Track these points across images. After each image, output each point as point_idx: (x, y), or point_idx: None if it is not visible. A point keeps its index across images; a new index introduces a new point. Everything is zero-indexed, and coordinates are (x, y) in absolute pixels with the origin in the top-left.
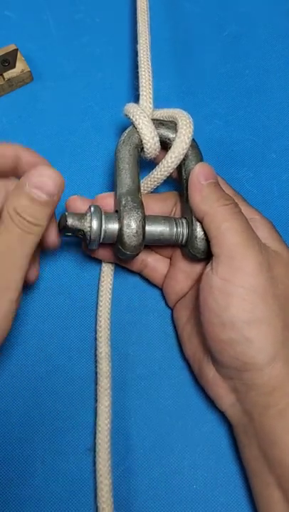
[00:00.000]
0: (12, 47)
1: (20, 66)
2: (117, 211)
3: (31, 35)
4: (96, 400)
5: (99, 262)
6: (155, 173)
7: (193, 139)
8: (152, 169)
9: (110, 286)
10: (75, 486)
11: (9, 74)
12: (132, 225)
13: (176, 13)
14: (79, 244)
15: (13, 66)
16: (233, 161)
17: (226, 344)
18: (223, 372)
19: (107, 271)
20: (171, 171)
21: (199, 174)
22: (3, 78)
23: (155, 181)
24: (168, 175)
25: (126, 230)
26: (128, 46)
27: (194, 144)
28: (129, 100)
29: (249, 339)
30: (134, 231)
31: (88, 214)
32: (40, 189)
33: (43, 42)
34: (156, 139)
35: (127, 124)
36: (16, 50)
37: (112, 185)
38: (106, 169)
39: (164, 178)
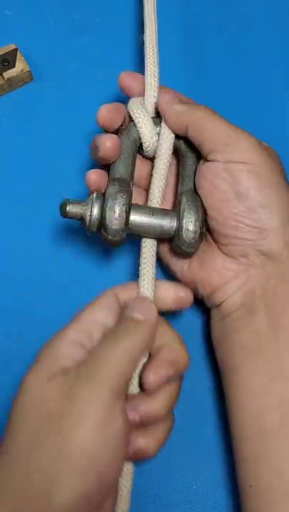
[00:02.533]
0: (12, 46)
1: (20, 66)
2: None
3: (31, 35)
4: None
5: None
6: (154, 170)
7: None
8: None
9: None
10: None
11: (9, 73)
12: (114, 208)
13: (176, 13)
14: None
15: (13, 66)
16: None
17: (240, 216)
18: (236, 251)
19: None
20: (166, 165)
21: (166, 98)
22: (3, 78)
23: (160, 178)
24: (166, 169)
25: (108, 213)
26: (128, 46)
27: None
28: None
29: (264, 204)
30: (117, 214)
31: (89, 204)
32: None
33: (43, 42)
34: (155, 138)
35: None
36: (15, 50)
37: None
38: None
39: (164, 173)
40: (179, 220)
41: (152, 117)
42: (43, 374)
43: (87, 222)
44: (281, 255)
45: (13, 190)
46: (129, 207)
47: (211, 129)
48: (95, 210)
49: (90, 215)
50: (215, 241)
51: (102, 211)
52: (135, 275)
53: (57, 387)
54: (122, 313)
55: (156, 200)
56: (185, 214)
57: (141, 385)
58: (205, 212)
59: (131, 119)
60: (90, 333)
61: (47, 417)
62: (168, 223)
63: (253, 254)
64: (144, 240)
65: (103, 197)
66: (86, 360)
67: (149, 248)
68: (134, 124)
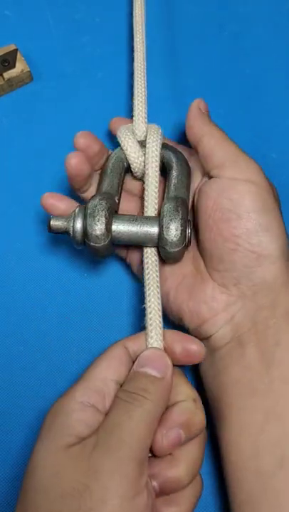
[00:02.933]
0: (12, 47)
1: (20, 66)
2: None
3: (31, 35)
4: None
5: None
6: (146, 188)
7: (180, 153)
8: None
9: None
10: None
11: (9, 74)
12: (94, 213)
13: (176, 13)
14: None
15: (13, 66)
16: None
17: (240, 238)
18: (228, 279)
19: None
20: (156, 183)
21: (200, 104)
22: (3, 78)
23: (152, 196)
24: (156, 185)
25: (88, 219)
26: (128, 46)
27: (180, 157)
28: (128, 102)
29: (266, 228)
30: (96, 219)
31: (72, 216)
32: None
33: (43, 42)
34: (141, 157)
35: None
36: (15, 50)
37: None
38: None
39: (156, 190)
40: (160, 221)
41: (140, 140)
42: (56, 445)
43: (71, 233)
44: (274, 285)
45: (13, 190)
46: (111, 214)
47: (223, 146)
48: (78, 222)
49: (73, 226)
50: (208, 266)
51: (84, 220)
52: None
53: (74, 460)
54: (135, 368)
55: (150, 212)
56: (165, 214)
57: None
58: (188, 214)
59: (119, 143)
60: (101, 392)
61: (65, 495)
62: (151, 228)
63: (244, 283)
64: (145, 249)
65: (85, 209)
66: (104, 427)
67: (151, 257)
68: (122, 149)
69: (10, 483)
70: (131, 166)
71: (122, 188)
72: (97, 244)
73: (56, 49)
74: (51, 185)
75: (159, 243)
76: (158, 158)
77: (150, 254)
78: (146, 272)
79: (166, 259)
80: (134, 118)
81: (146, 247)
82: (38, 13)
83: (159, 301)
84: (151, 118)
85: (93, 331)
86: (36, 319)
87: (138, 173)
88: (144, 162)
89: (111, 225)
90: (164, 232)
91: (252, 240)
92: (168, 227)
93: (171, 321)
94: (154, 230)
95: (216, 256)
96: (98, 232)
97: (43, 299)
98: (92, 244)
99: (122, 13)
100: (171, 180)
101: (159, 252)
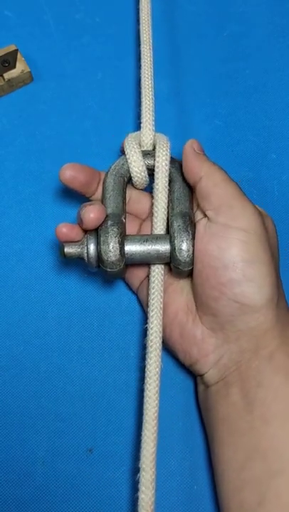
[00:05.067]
0: (12, 47)
1: (21, 66)
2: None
3: (31, 36)
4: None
5: None
6: (155, 208)
7: (179, 163)
8: None
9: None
10: (75, 487)
11: (9, 74)
12: (108, 240)
13: (176, 13)
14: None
15: (14, 67)
16: (233, 162)
17: (225, 287)
18: (215, 324)
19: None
20: (167, 190)
21: (195, 145)
22: (4, 79)
23: (161, 215)
24: (166, 194)
25: (102, 247)
26: (128, 46)
27: (180, 168)
28: (128, 102)
29: (250, 278)
30: (110, 246)
31: (85, 242)
32: None
33: (43, 42)
34: (144, 172)
35: (127, 124)
36: (16, 51)
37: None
38: (106, 169)
39: (166, 198)
40: (172, 242)
41: (144, 150)
42: None
43: (86, 259)
44: (257, 331)
45: (13, 190)
46: (123, 238)
47: (221, 188)
48: (92, 247)
49: (87, 253)
50: (198, 309)
51: (98, 246)
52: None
53: None
54: None
55: (160, 229)
56: (176, 235)
57: None
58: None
59: (124, 153)
60: None
61: None
62: (162, 247)
63: (230, 329)
64: (152, 267)
65: (97, 234)
66: None
67: (157, 272)
68: (126, 159)
69: (10, 483)
70: (133, 179)
71: (126, 205)
72: (113, 270)
73: (56, 49)
74: (51, 186)
75: (172, 262)
76: (167, 174)
77: (157, 274)
78: (152, 291)
79: (178, 276)
80: (141, 126)
81: (155, 264)
82: (38, 13)
83: (161, 322)
84: None
85: (93, 331)
86: (36, 319)
87: (139, 186)
88: (154, 177)
89: (124, 249)
90: (177, 254)
91: (235, 290)
92: (180, 248)
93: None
94: (165, 248)
95: (204, 301)
96: (113, 259)
97: (43, 299)
98: (108, 270)
99: (122, 13)
100: (173, 192)
101: (169, 268)
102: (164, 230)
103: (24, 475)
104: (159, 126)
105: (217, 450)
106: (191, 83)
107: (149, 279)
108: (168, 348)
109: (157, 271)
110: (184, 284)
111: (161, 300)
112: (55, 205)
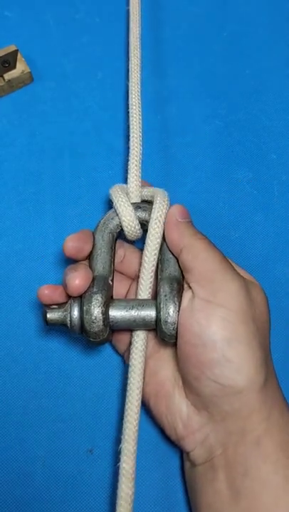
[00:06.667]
0: (12, 48)
1: (21, 67)
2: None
3: (31, 36)
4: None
5: None
6: (145, 265)
7: None
8: None
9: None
10: (75, 488)
11: (9, 75)
12: (90, 310)
13: (176, 13)
14: None
15: (14, 67)
16: (233, 162)
17: (205, 367)
18: (199, 402)
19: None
20: (156, 256)
21: (176, 213)
22: (4, 79)
23: (149, 272)
24: (155, 259)
25: (85, 316)
26: (128, 46)
27: None
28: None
29: (229, 359)
30: (93, 317)
31: (68, 308)
32: None
33: (43, 42)
34: (135, 224)
35: (126, 124)
36: (16, 51)
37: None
38: (106, 169)
39: (154, 263)
40: (157, 312)
41: (134, 203)
42: None
43: (69, 326)
44: (242, 413)
45: (13, 190)
46: (107, 306)
47: (202, 261)
48: (75, 314)
49: (71, 320)
50: (183, 384)
51: (81, 313)
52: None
53: None
54: None
55: (146, 293)
56: (162, 306)
57: None
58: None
59: (112, 206)
60: None
61: None
62: (148, 315)
63: (214, 410)
64: (134, 334)
65: (81, 299)
66: None
67: (139, 341)
68: (115, 211)
69: (10, 483)
70: (124, 231)
71: (114, 264)
72: (96, 340)
73: (56, 49)
74: (51, 186)
75: (158, 333)
76: (160, 237)
77: (138, 343)
78: (132, 361)
79: (164, 344)
80: (128, 179)
81: (138, 330)
82: (38, 13)
83: (139, 404)
84: (147, 116)
85: None
86: (36, 319)
87: (132, 238)
88: (146, 237)
89: (108, 318)
90: (163, 326)
91: (215, 371)
92: (166, 321)
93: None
94: (151, 317)
95: (186, 379)
96: (96, 330)
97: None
98: (91, 340)
99: (122, 13)
100: (164, 253)
101: (154, 335)
102: (150, 293)
103: (24, 475)
104: (160, 127)
105: None
106: (191, 83)
107: (130, 347)
108: (155, 421)
109: (141, 336)
110: (171, 352)
111: (142, 371)
112: (55, 205)
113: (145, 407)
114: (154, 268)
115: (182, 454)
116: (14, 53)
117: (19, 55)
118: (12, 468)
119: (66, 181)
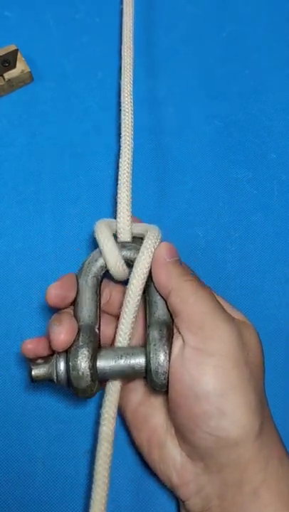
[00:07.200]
0: (12, 47)
1: (21, 66)
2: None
3: (31, 36)
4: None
5: None
6: (126, 303)
7: None
8: None
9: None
10: (74, 488)
11: (9, 74)
12: (77, 366)
13: (176, 14)
14: None
15: (14, 66)
16: (233, 162)
17: (199, 419)
18: (193, 453)
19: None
20: (140, 294)
21: (164, 252)
22: (4, 79)
23: (132, 309)
24: (138, 298)
25: (72, 372)
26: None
27: None
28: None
29: (224, 412)
30: (80, 372)
31: (54, 362)
32: None
33: (43, 42)
34: (120, 264)
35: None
36: (16, 51)
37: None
38: (106, 168)
39: (137, 302)
40: (147, 361)
41: (122, 242)
42: None
43: (56, 381)
44: (239, 464)
45: (14, 190)
46: (95, 358)
47: (191, 305)
48: (61, 368)
49: (57, 375)
50: (176, 434)
51: (67, 369)
52: None
53: None
54: None
55: (125, 341)
56: (152, 355)
57: None
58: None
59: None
60: None
61: None
62: (138, 363)
63: (210, 461)
64: (108, 384)
65: (67, 353)
66: None
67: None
68: (100, 252)
69: (10, 483)
70: (110, 270)
71: (100, 308)
72: (84, 395)
73: (56, 49)
74: (51, 185)
75: (148, 382)
76: (142, 287)
77: (113, 392)
78: (103, 416)
79: (155, 392)
80: (118, 217)
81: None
82: (38, 13)
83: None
84: (147, 116)
85: None
86: (36, 319)
87: (118, 278)
88: (129, 279)
89: (96, 372)
90: (153, 376)
91: (210, 423)
92: (156, 371)
93: None
94: (141, 365)
95: (180, 430)
96: (84, 385)
97: (43, 299)
98: (79, 395)
99: (122, 13)
100: (151, 294)
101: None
102: (128, 342)
103: (24, 475)
104: (159, 127)
105: None
106: (191, 83)
107: (103, 397)
108: (151, 469)
109: (113, 389)
110: (162, 400)
111: (113, 421)
112: (55, 205)
113: (140, 453)
114: (134, 318)
115: (178, 502)
116: (14, 53)
117: (19, 55)
118: (12, 468)
119: (66, 181)
